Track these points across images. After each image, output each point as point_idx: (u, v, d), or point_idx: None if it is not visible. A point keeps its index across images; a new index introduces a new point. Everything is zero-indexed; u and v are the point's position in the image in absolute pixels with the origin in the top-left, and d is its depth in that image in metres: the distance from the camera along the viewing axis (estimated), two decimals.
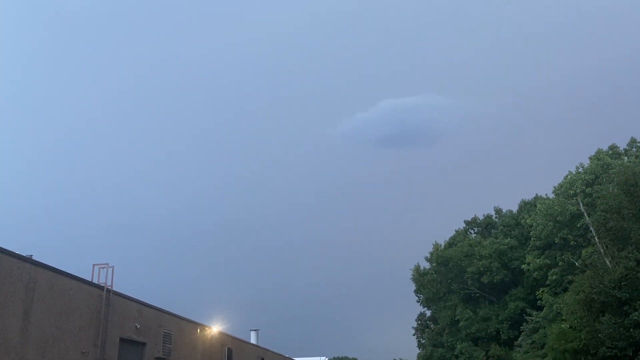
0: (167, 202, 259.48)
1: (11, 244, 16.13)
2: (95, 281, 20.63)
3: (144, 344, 23.51)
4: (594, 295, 29.10)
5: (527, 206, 58.00)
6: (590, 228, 39.18)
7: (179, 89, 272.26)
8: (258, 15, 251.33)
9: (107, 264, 20.99)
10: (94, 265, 20.97)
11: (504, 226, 60.70)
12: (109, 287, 20.75)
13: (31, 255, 17.22)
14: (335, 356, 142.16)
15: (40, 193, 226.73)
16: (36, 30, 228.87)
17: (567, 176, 48.02)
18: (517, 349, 48.86)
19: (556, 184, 49.19)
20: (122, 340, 21.74)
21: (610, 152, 47.02)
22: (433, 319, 68.20)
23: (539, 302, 47.38)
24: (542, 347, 41.27)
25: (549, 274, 46.56)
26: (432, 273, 62.75)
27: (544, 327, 42.77)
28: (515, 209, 61.68)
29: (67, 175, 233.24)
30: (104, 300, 20.35)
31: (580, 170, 46.50)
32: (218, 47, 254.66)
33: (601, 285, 28.84)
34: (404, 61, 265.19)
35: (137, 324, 22.87)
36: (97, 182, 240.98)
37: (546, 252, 48.37)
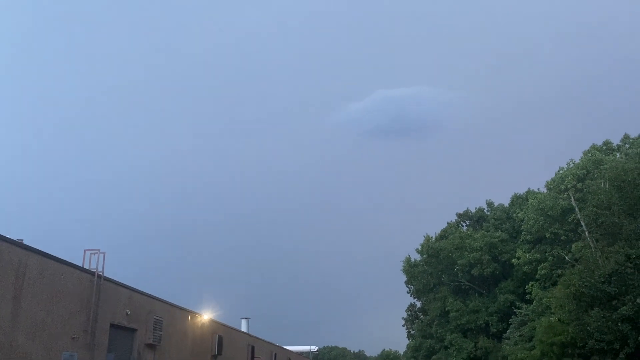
0: (165, 196, 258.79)
1: (2, 228, 15.99)
2: (86, 267, 20.52)
3: (134, 330, 23.47)
4: (584, 289, 29.27)
5: (519, 200, 58.21)
6: (581, 223, 39.40)
7: (178, 86, 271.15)
8: (257, 10, 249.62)
9: (99, 250, 20.87)
10: (85, 250, 20.85)
11: (495, 219, 60.93)
12: (100, 273, 20.64)
13: (22, 240, 17.08)
14: (326, 345, 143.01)
15: (38, 182, 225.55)
16: (47, 25, 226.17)
17: (558, 171, 48.26)
18: (506, 341, 49.24)
19: (548, 179, 49.44)
20: (113, 326, 21.69)
21: (604, 147, 47.26)
22: (423, 310, 68.57)
23: (528, 295, 47.70)
24: (531, 339, 41.61)
25: (538, 268, 46.86)
26: (422, 265, 62.97)
27: (533, 320, 43.09)
28: (507, 202, 61.95)
29: (67, 166, 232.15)
30: (94, 285, 20.25)
31: (572, 165, 46.73)
32: (216, 43, 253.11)
33: (591, 280, 29.02)
34: (398, 52, 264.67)
35: (127, 310, 22.81)
36: (98, 176, 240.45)
37: (537, 246, 48.65)
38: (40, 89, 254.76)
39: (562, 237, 44.57)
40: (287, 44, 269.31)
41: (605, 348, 28.61)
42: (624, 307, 27.51)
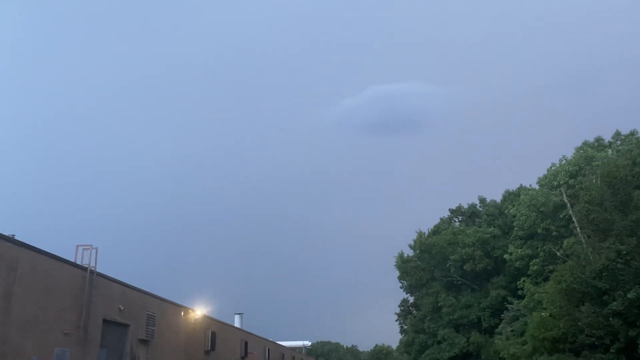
0: (159, 192, 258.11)
1: None
2: (78, 262, 20.44)
3: (127, 325, 23.43)
4: (575, 285, 29.47)
5: (511, 196, 58.44)
6: (573, 219, 39.62)
7: (176, 82, 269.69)
8: (251, 7, 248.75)
9: (91, 246, 20.79)
10: (77, 246, 20.76)
11: (487, 215, 61.17)
12: (93, 269, 20.57)
13: (13, 235, 16.98)
14: (319, 341, 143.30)
15: (35, 179, 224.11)
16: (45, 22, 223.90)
17: (550, 167, 48.48)
18: (498, 336, 49.51)
19: (540, 175, 49.68)
20: (106, 322, 21.64)
21: (596, 144, 47.50)
22: (416, 305, 68.80)
23: (519, 291, 47.97)
24: (522, 334, 41.86)
25: (530, 263, 47.13)
26: (415, 260, 63.20)
27: (525, 316, 43.35)
28: (499, 198, 62.18)
29: (64, 163, 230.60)
30: (87, 281, 20.18)
31: (564, 161, 46.96)
32: (211, 43, 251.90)
33: (582, 276, 29.22)
34: (391, 47, 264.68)
35: (120, 306, 22.76)
36: (97, 175, 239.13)
37: (528, 242, 48.93)
38: (40, 87, 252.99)
39: (554, 233, 44.83)
40: (280, 41, 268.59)
41: (596, 343, 28.86)
42: (615, 302, 27.73)
